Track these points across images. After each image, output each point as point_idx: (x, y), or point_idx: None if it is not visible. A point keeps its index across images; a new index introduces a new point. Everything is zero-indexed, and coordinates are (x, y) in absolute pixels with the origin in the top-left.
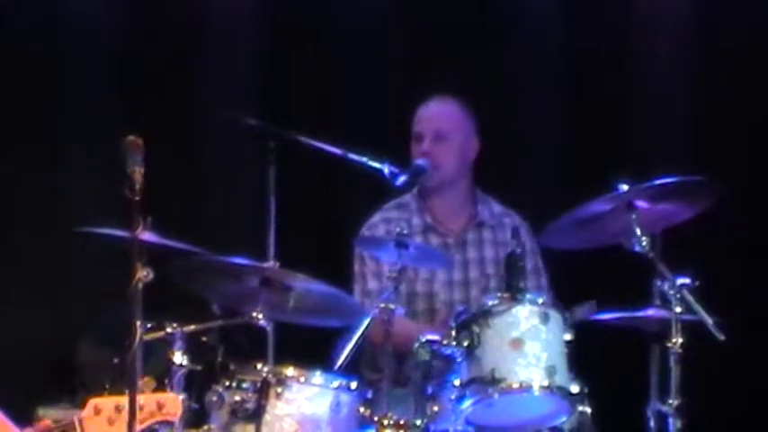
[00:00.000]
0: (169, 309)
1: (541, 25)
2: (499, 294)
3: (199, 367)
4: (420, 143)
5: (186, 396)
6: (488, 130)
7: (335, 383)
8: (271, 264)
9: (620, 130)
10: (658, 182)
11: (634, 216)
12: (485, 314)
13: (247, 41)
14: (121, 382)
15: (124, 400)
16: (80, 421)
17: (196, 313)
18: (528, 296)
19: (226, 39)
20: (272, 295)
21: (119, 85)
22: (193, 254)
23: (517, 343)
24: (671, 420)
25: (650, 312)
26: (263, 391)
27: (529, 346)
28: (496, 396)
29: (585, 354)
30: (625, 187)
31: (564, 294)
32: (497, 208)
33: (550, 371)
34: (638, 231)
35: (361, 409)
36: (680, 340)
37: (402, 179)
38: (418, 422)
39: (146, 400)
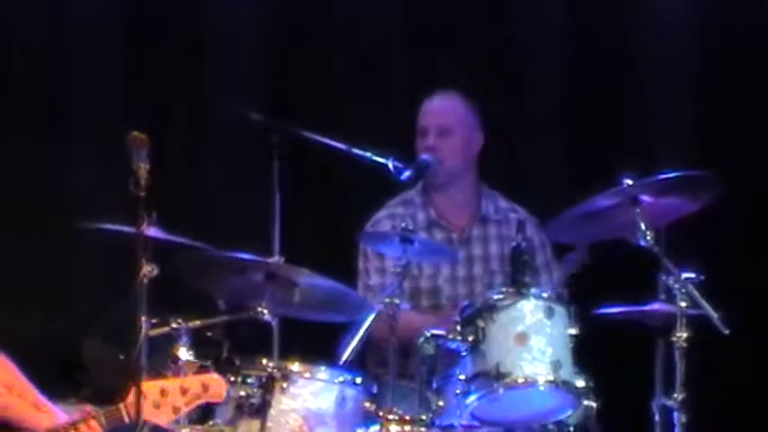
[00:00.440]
0: (174, 304)
1: (545, 21)
2: (504, 289)
3: (204, 363)
4: (424, 138)
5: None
6: (493, 125)
7: (340, 378)
8: (276, 259)
9: (624, 124)
10: (663, 176)
11: (638, 210)
12: (490, 309)
13: (252, 37)
14: (127, 377)
15: (169, 384)
16: (126, 407)
17: (201, 309)
18: (533, 291)
19: (230, 34)
20: (277, 290)
21: (124, 81)
22: (198, 249)
23: (522, 337)
24: (676, 414)
25: (655, 306)
26: (268, 386)
27: (534, 340)
28: (501, 391)
29: (590, 348)
30: (630, 182)
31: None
32: (503, 203)
33: (555, 365)
34: (643, 226)
35: (367, 404)
36: (685, 334)
37: (406, 174)
38: (423, 417)
39: (190, 382)
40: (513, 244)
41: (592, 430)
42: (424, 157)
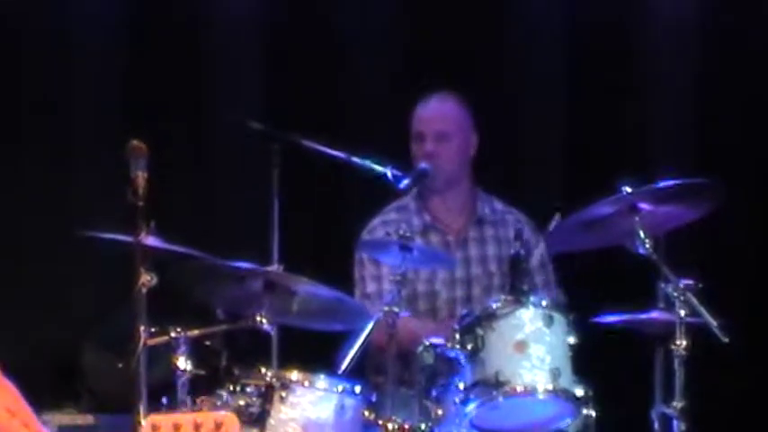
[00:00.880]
0: (173, 313)
1: (544, 26)
2: (503, 297)
3: (203, 372)
4: (422, 143)
5: (190, 401)
6: (491, 132)
7: (340, 387)
8: (274, 267)
9: (623, 132)
10: (662, 184)
11: (637, 218)
12: (489, 317)
13: (251, 46)
14: (126, 386)
15: (183, 419)
16: None
17: (200, 318)
18: (532, 299)
19: (230, 43)
20: (276, 299)
21: (123, 90)
22: (197, 258)
23: (521, 346)
24: (675, 423)
25: (654, 315)
26: (267, 395)
27: (533, 348)
28: (501, 399)
29: (590, 356)
30: (628, 189)
31: (567, 297)
32: (499, 205)
33: (555, 373)
34: (642, 233)
35: (366, 413)
36: (684, 342)
37: (405, 182)
38: (423, 425)
39: (203, 418)
40: (512, 252)
41: None
42: (423, 165)
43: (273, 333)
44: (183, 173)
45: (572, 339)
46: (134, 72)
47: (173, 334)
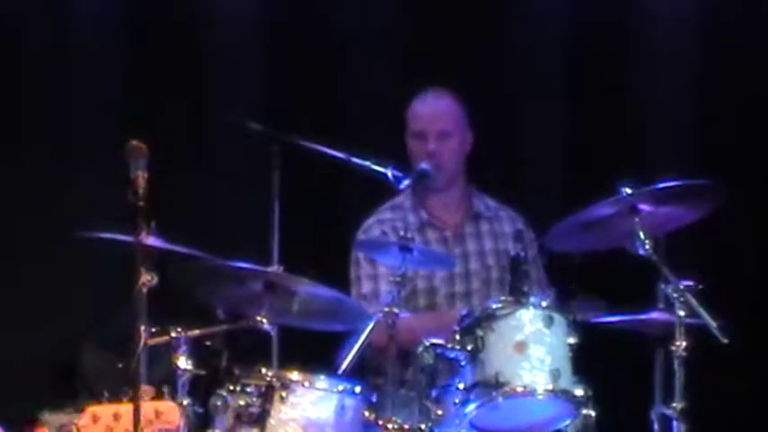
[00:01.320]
0: (173, 313)
1: (544, 26)
2: (503, 298)
3: (203, 372)
4: (422, 142)
5: (190, 401)
6: (491, 132)
7: (340, 387)
8: (275, 268)
9: (623, 133)
10: (662, 185)
11: (637, 219)
12: (489, 318)
13: (251, 46)
14: (125, 386)
15: (122, 408)
16: (78, 429)
17: (200, 318)
18: (532, 299)
19: (229, 43)
20: (277, 299)
21: (123, 90)
22: (197, 258)
23: (521, 346)
24: (675, 424)
25: (654, 315)
26: (267, 395)
27: (533, 349)
28: (501, 400)
29: (589, 357)
30: (628, 190)
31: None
32: (491, 202)
33: (554, 374)
34: (642, 234)
35: (366, 413)
36: (684, 343)
37: (406, 183)
38: (423, 426)
39: (144, 408)
40: (512, 253)
41: None
42: (423, 165)
43: (274, 333)
44: (183, 173)
45: (572, 340)
46: (134, 72)
47: (173, 334)
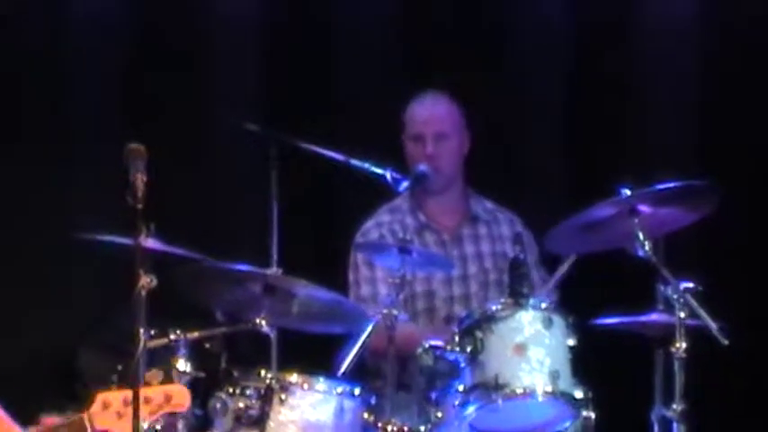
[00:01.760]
0: (172, 316)
1: (544, 26)
2: (502, 300)
3: (202, 374)
4: (420, 145)
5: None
6: (491, 133)
7: (339, 389)
8: (274, 270)
9: (622, 134)
10: (661, 186)
11: (637, 221)
12: (488, 320)
13: (249, 47)
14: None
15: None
16: (89, 417)
17: (199, 320)
18: (531, 301)
19: (228, 44)
20: (276, 302)
21: (122, 92)
22: (196, 261)
23: (520, 348)
24: (675, 425)
25: (654, 317)
26: (266, 397)
27: (532, 351)
28: (500, 402)
29: (589, 358)
30: (628, 192)
31: (567, 299)
32: (489, 204)
33: (554, 376)
34: (641, 236)
35: (365, 415)
36: (684, 345)
37: (404, 185)
38: (422, 428)
39: (153, 392)
40: (512, 255)
41: None
42: (421, 167)
43: (273, 335)
44: (183, 175)
45: (571, 341)
46: (134, 72)
47: (172, 336)
